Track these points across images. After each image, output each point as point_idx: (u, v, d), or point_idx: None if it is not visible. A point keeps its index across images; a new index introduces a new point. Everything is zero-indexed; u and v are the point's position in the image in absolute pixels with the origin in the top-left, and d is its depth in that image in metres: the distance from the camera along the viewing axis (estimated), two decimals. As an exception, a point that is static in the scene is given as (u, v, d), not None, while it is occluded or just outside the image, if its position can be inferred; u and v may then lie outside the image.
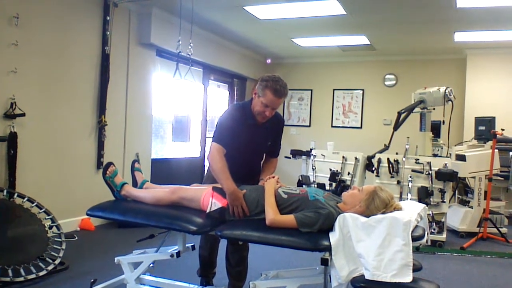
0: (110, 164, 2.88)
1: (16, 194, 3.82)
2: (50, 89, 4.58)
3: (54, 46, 4.59)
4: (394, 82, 8.17)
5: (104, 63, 5.12)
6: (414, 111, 5.40)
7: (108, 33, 5.12)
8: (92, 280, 2.87)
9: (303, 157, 6.55)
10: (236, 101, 8.45)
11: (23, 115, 4.17)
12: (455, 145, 6.00)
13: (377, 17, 5.81)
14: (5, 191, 3.79)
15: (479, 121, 5.94)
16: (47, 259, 3.44)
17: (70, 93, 4.81)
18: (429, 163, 4.76)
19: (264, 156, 3.01)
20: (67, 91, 4.77)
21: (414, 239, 2.08)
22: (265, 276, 2.53)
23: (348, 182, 5.04)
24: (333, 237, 2.13)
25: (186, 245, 2.81)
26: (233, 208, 2.48)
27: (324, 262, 2.13)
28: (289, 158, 6.76)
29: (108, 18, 5.11)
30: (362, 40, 6.94)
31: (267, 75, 2.72)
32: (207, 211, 2.53)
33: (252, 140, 2.79)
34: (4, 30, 4.05)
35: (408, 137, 5.05)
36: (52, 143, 4.64)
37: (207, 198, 2.56)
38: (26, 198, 3.81)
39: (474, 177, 5.34)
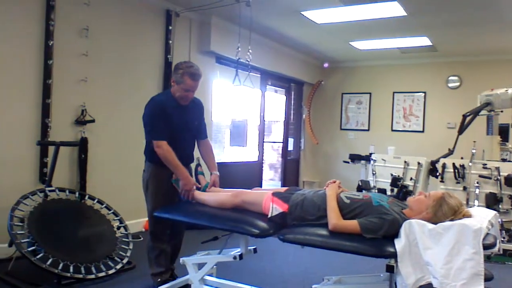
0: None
1: (87, 196, 4.03)
2: (117, 96, 4.82)
3: (121, 55, 4.83)
4: (458, 83, 7.84)
5: (167, 71, 5.31)
6: (480, 114, 5.18)
7: (170, 42, 5.32)
8: (158, 280, 2.98)
9: (362, 161, 6.43)
10: (293, 105, 8.46)
11: (93, 121, 4.41)
12: (526, 150, 5.67)
13: (439, 17, 5.61)
14: (77, 193, 4.01)
15: (552, 123, 5.58)
16: (115, 258, 3.59)
17: (136, 100, 4.99)
18: (497, 168, 4.54)
19: (196, 142, 3.24)
20: (133, 98, 4.97)
21: (485, 247, 2.00)
22: (327, 281, 2.52)
23: (411, 188, 4.91)
24: (399, 243, 2.09)
25: (248, 247, 2.86)
26: (183, 191, 2.88)
27: (390, 269, 2.10)
28: (348, 162, 6.67)
29: (170, 27, 5.31)
30: (423, 41, 6.73)
31: (180, 63, 3.01)
32: (269, 215, 2.56)
33: (183, 120, 3.04)
34: (75, 41, 4.31)
35: (474, 141, 4.84)
36: (119, 147, 4.86)
37: (268, 202, 2.59)
38: (96, 200, 4.00)
39: (547, 183, 5.02)
